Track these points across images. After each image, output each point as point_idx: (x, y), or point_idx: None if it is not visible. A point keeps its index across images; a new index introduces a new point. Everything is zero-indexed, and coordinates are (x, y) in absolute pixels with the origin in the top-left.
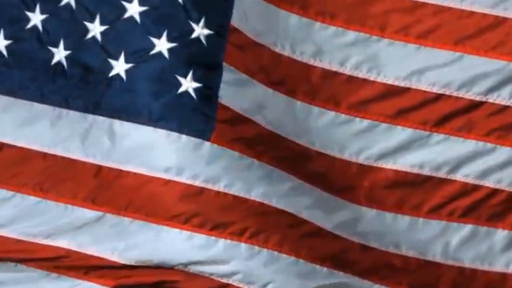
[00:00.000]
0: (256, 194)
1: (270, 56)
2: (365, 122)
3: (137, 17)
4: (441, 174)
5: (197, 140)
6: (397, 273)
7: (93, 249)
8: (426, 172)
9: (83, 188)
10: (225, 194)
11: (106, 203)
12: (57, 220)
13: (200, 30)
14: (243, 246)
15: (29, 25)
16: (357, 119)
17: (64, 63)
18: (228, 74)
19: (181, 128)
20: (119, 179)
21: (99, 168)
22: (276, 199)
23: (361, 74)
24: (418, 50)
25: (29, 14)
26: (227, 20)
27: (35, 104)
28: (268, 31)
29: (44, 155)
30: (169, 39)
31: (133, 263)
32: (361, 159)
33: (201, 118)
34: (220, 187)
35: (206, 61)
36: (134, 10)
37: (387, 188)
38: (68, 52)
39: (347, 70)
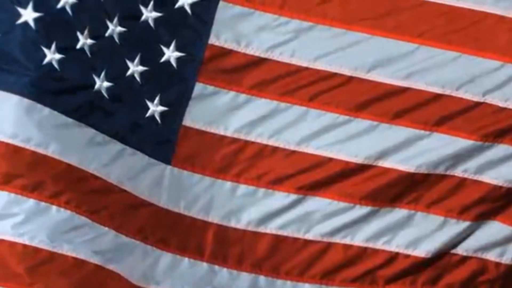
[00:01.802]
0: (213, 216)
1: (264, 65)
2: (365, 123)
3: (116, 37)
4: (439, 171)
5: (160, 164)
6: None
7: None
8: (423, 170)
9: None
10: (186, 216)
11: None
12: None
13: (170, 53)
14: (204, 265)
15: (20, 21)
16: (358, 119)
17: (56, 65)
18: (200, 91)
19: (147, 151)
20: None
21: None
22: (235, 221)
23: (361, 75)
24: (418, 50)
25: (20, 9)
26: (203, 40)
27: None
28: (258, 40)
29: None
30: (142, 63)
31: None
32: (360, 159)
33: (163, 142)
34: (180, 208)
35: (175, 84)
36: (114, 30)
37: (385, 186)
38: (60, 56)
39: (346, 71)
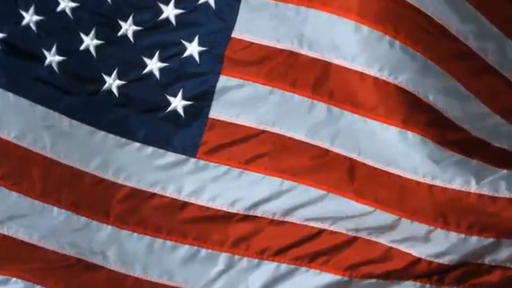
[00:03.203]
0: (239, 206)
1: (281, 56)
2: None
3: (131, 36)
4: (455, 186)
5: (183, 157)
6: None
7: None
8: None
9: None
10: (207, 208)
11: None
12: None
13: (193, 48)
14: (223, 255)
15: (23, 23)
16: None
17: (56, 68)
18: (224, 84)
19: (167, 146)
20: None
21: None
22: (261, 211)
23: (372, 72)
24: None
25: (22, 12)
26: (227, 33)
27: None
28: (279, 31)
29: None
30: (161, 59)
31: None
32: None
33: (188, 135)
34: (203, 201)
35: (198, 78)
36: (128, 29)
37: (403, 194)
38: (60, 58)
39: (358, 67)
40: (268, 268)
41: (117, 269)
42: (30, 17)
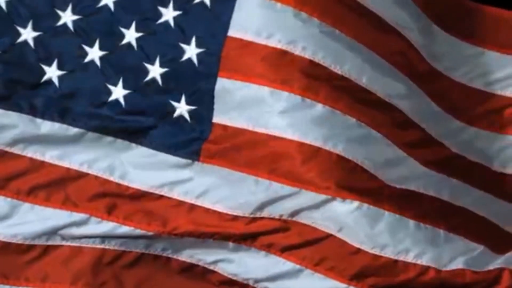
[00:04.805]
0: (245, 210)
1: (280, 57)
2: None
3: (134, 43)
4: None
5: (188, 161)
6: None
7: None
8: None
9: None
10: (214, 211)
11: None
12: None
13: (191, 51)
14: (230, 244)
15: (20, 40)
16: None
17: (56, 82)
18: (222, 86)
19: (172, 150)
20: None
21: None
22: (267, 213)
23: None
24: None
25: (19, 29)
26: (222, 33)
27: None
28: (279, 32)
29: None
30: (161, 65)
31: None
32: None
33: (192, 140)
34: (209, 203)
35: (199, 81)
36: (131, 36)
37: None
38: (61, 73)
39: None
40: (274, 262)
41: (117, 248)
42: (27, 34)
